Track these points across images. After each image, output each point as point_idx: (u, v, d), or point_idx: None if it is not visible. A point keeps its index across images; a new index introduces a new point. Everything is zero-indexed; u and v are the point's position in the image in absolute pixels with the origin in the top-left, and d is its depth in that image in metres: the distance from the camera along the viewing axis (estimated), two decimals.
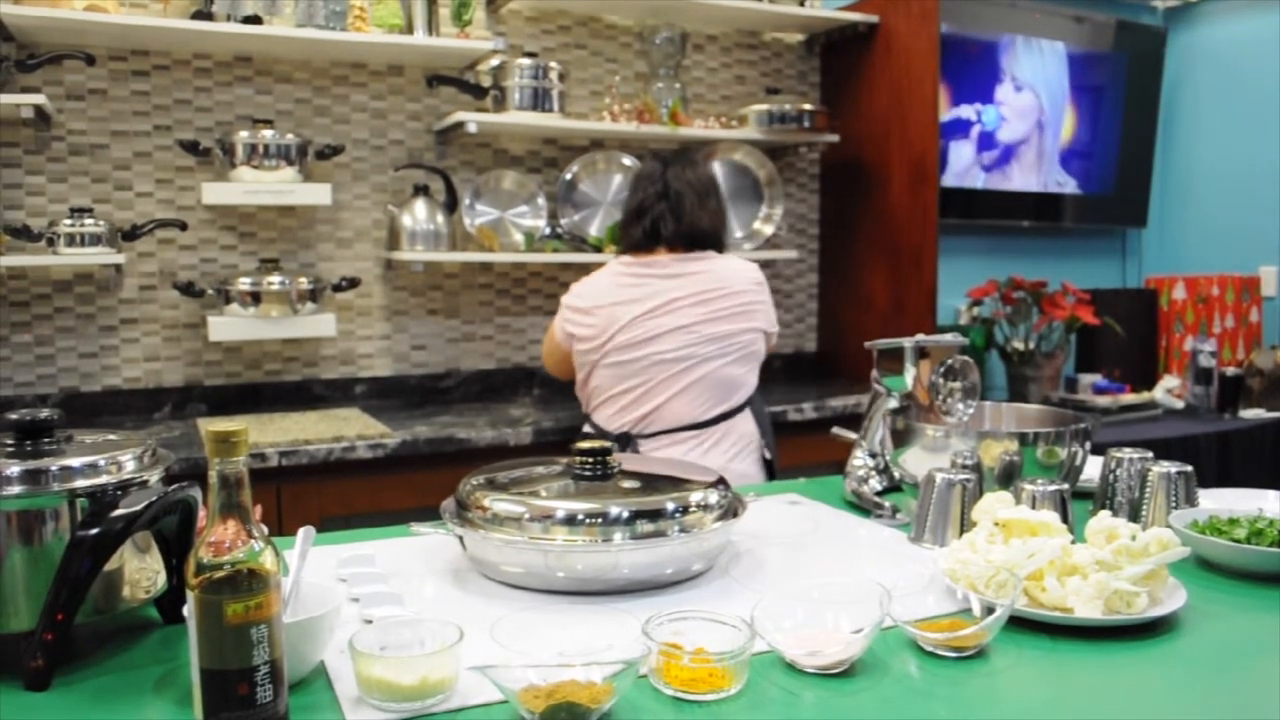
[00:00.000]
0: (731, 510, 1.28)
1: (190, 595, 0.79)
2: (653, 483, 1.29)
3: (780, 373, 3.52)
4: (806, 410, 2.84)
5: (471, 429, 2.51)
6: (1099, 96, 3.96)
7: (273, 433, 2.40)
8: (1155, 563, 1.09)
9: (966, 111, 3.67)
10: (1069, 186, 3.95)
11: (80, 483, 0.98)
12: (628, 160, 3.16)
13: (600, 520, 1.16)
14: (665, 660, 0.92)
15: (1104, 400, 3.32)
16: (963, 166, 3.69)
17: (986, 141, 3.74)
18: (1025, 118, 3.81)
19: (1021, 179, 3.84)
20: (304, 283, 2.66)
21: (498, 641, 0.98)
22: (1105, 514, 1.19)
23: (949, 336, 1.58)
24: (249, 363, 2.84)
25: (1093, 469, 1.60)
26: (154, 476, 1.04)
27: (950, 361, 1.54)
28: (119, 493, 0.99)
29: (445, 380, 3.08)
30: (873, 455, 1.66)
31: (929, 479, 1.40)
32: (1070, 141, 3.93)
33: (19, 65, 2.42)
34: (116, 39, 2.57)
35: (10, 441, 1.02)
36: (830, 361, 3.57)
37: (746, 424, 2.27)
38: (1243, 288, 3.77)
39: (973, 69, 3.65)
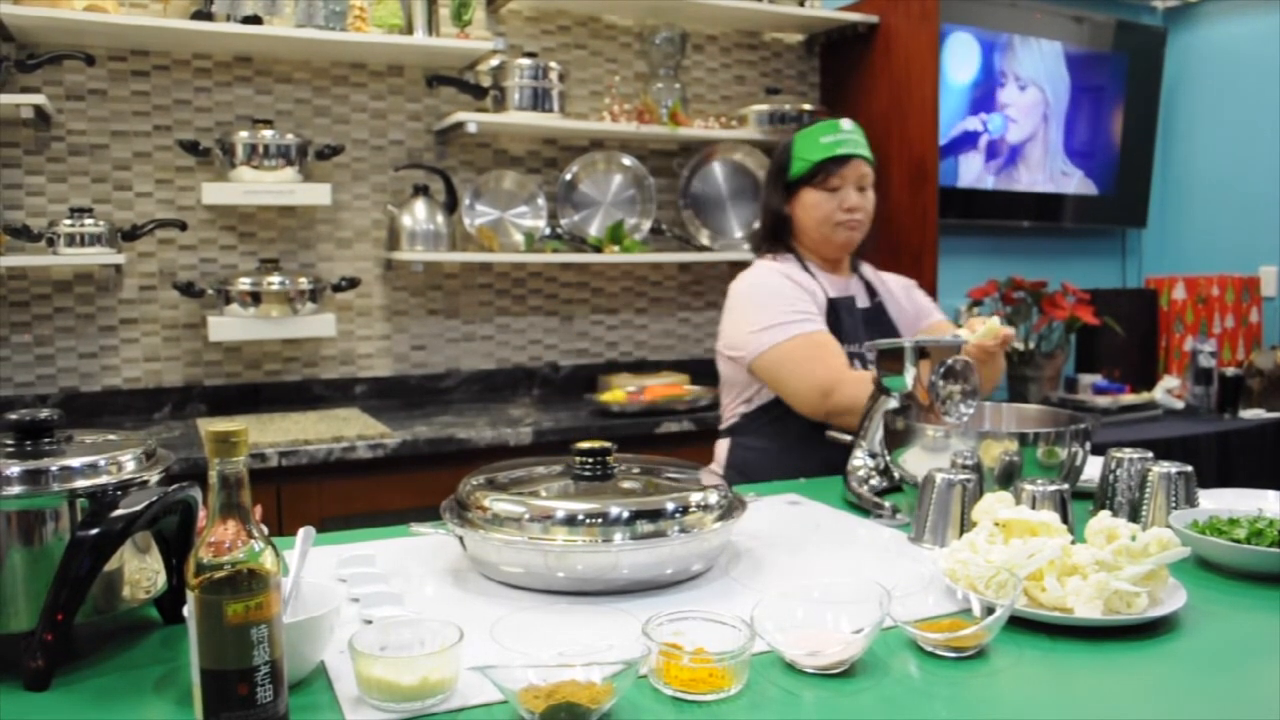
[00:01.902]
0: (731, 510, 1.28)
1: (190, 595, 0.79)
2: (653, 483, 1.29)
3: None
4: None
5: (471, 429, 2.51)
6: (1099, 96, 3.96)
7: (273, 433, 2.40)
8: (1155, 563, 1.09)
9: (973, 123, 3.67)
10: (1075, 178, 3.95)
11: (80, 483, 0.98)
12: (627, 160, 3.16)
13: (600, 520, 1.16)
14: (665, 660, 0.92)
15: (1104, 400, 3.32)
16: (973, 177, 3.70)
17: (994, 148, 3.75)
18: (1031, 114, 3.82)
19: (1029, 177, 3.84)
20: (304, 283, 2.67)
21: (498, 641, 0.99)
22: (1105, 514, 1.19)
23: (949, 336, 1.58)
24: (249, 363, 2.84)
25: (1093, 469, 1.60)
26: (154, 476, 1.04)
27: (950, 362, 1.54)
28: (119, 493, 0.99)
29: (445, 380, 3.08)
30: (873, 455, 1.66)
31: (929, 479, 1.40)
32: (1071, 140, 3.93)
33: (19, 65, 2.42)
34: (116, 39, 2.57)
35: (10, 441, 1.02)
36: None
37: (721, 456, 2.08)
38: (1243, 288, 3.77)
39: (976, 76, 3.65)
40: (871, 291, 2.14)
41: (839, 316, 2.00)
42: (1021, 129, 3.80)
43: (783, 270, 2.05)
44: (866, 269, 2.19)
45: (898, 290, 2.17)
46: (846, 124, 2.02)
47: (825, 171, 1.98)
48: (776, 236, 2.09)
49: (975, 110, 3.68)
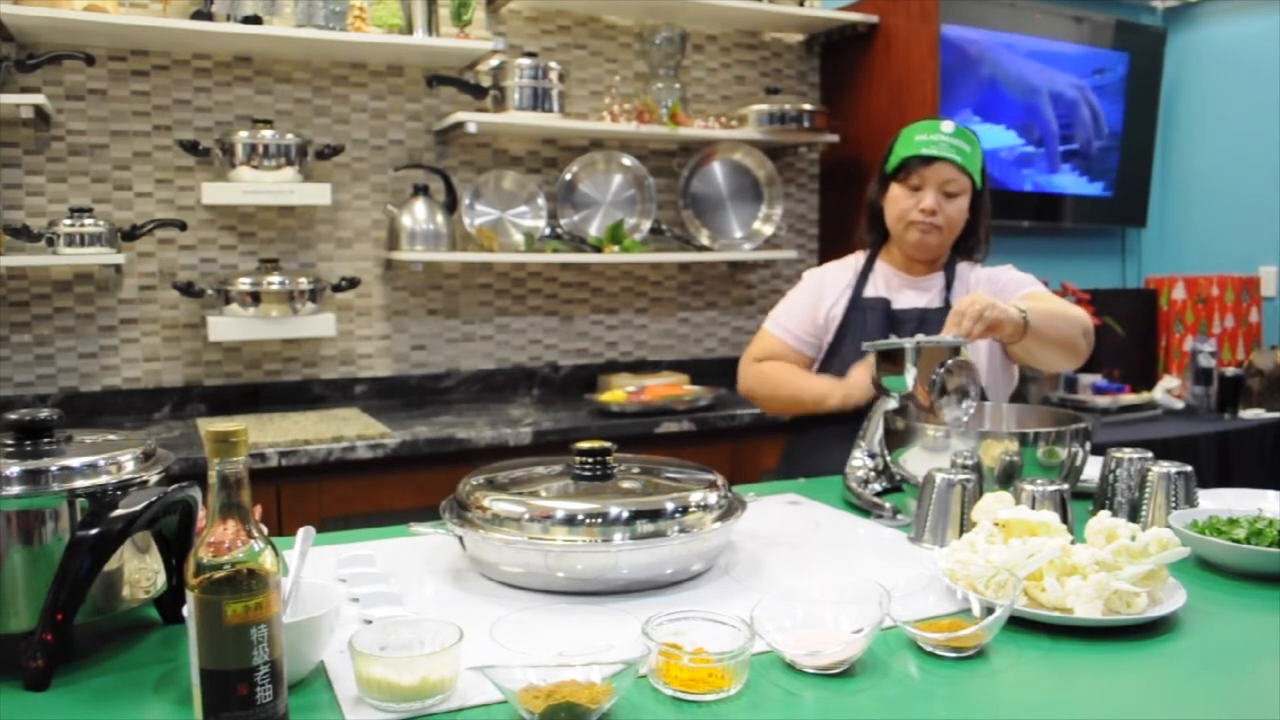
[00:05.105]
0: (731, 510, 1.28)
1: (190, 595, 0.79)
2: (652, 483, 1.29)
3: None
4: None
5: (471, 429, 2.51)
6: (1099, 96, 3.96)
7: (273, 433, 2.40)
8: (1155, 563, 1.09)
9: (988, 132, 3.67)
10: (1078, 179, 3.95)
11: (80, 483, 0.98)
12: (627, 160, 3.16)
13: (600, 520, 1.16)
14: (665, 660, 0.92)
15: (1104, 400, 3.32)
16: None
17: (1002, 150, 3.75)
18: (1035, 116, 3.81)
19: (1034, 178, 3.84)
20: (304, 283, 2.66)
21: (498, 641, 0.98)
22: (1105, 514, 1.19)
23: (949, 336, 1.58)
24: (249, 363, 2.84)
25: (1092, 469, 1.60)
26: (154, 476, 1.04)
27: (950, 362, 1.54)
28: (119, 493, 0.99)
29: (445, 380, 3.08)
30: (872, 456, 1.66)
31: (929, 479, 1.40)
32: (1072, 140, 3.94)
33: (19, 65, 2.42)
34: (116, 39, 2.57)
35: (10, 441, 1.02)
36: None
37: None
38: (1242, 288, 3.77)
39: (981, 84, 3.64)
40: (949, 294, 2.03)
41: (864, 316, 2.00)
42: (1027, 131, 3.80)
43: (831, 270, 2.11)
44: (963, 268, 2.06)
45: (982, 287, 2.03)
46: (947, 126, 1.95)
47: (908, 169, 1.94)
48: (870, 227, 2.08)
49: (982, 111, 3.67)
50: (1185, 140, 4.13)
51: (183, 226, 2.67)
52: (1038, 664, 0.99)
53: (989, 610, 1.02)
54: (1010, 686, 0.95)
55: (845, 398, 1.89)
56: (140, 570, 1.03)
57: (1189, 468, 1.42)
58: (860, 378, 1.87)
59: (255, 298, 2.61)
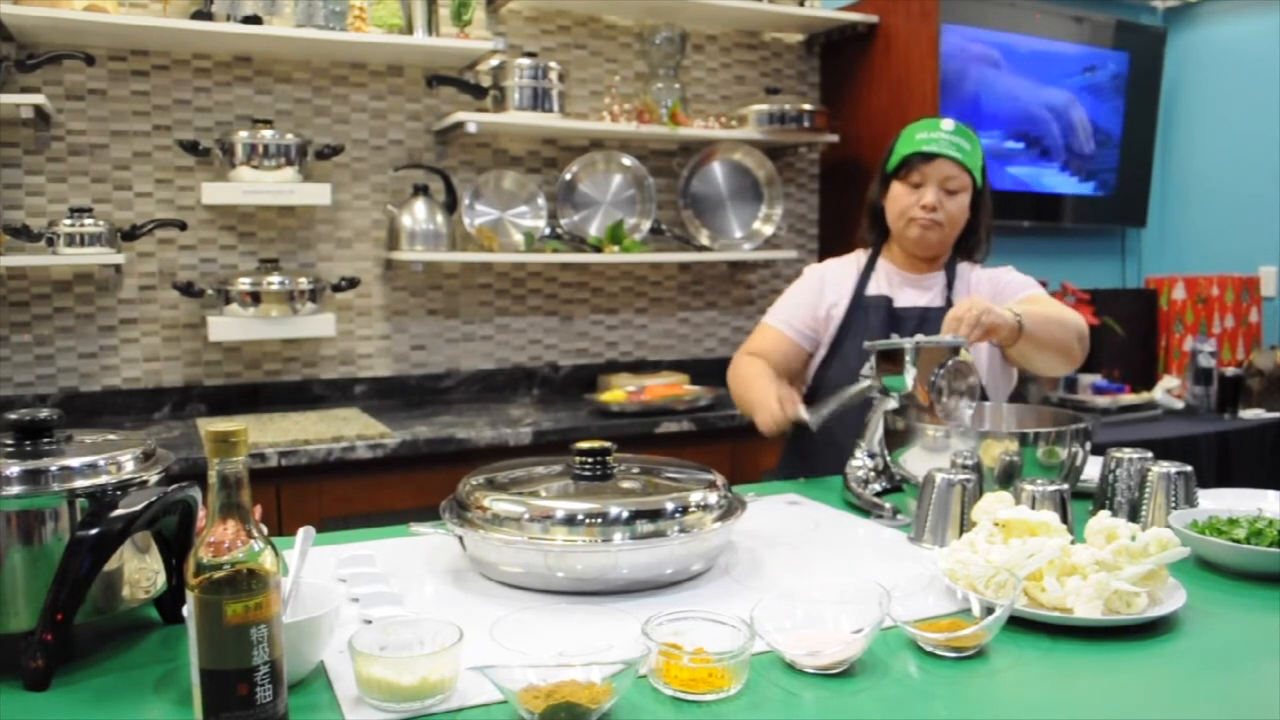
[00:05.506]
0: (731, 510, 1.28)
1: (190, 595, 0.79)
2: (652, 483, 1.29)
3: None
4: None
5: (471, 429, 2.51)
6: (1099, 96, 3.96)
7: (273, 433, 2.40)
8: (1155, 563, 1.09)
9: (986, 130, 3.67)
10: (1075, 179, 3.95)
11: (80, 483, 0.98)
12: (627, 160, 3.16)
13: (600, 520, 1.16)
14: (665, 660, 0.92)
15: (1104, 400, 3.32)
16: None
17: (997, 149, 3.74)
18: (1033, 115, 3.81)
19: (1032, 177, 3.84)
20: (304, 283, 2.66)
21: (497, 641, 0.98)
22: (1105, 514, 1.19)
23: (949, 336, 1.58)
24: (249, 363, 2.84)
25: (1093, 469, 1.60)
26: (153, 477, 1.04)
27: (950, 362, 1.54)
28: (119, 493, 0.99)
29: (445, 380, 3.07)
30: (872, 456, 1.66)
31: (929, 479, 1.40)
32: (1071, 140, 3.93)
33: (19, 65, 2.42)
34: (116, 39, 2.57)
35: (10, 441, 1.02)
36: None
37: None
38: (1242, 288, 3.77)
39: (971, 86, 3.64)
40: (950, 293, 2.03)
41: (865, 315, 2.00)
42: (1024, 130, 3.80)
43: (833, 266, 2.12)
44: (964, 268, 2.06)
45: (982, 287, 2.04)
46: (947, 124, 1.97)
47: (909, 166, 1.95)
48: (871, 225, 2.09)
49: (979, 111, 3.67)
50: (1185, 140, 4.13)
51: (183, 226, 2.67)
52: (1038, 664, 0.99)
53: (989, 610, 1.02)
54: (1010, 686, 0.95)
55: (764, 423, 1.80)
56: (140, 570, 1.03)
57: (1189, 468, 1.42)
58: (774, 411, 1.78)
59: (255, 298, 2.61)
